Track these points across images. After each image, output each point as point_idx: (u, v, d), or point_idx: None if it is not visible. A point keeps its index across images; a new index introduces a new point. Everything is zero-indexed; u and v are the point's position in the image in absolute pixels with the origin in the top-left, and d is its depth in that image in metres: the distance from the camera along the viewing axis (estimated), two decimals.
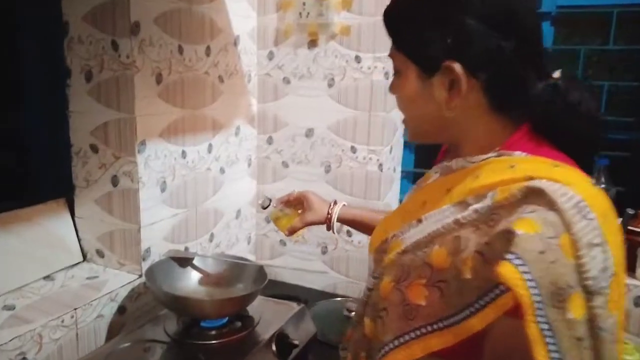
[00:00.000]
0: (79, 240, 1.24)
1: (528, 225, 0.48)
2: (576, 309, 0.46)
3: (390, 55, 0.66)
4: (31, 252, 1.13)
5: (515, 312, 0.46)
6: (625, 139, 1.59)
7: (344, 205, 1.05)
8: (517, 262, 0.46)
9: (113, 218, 1.18)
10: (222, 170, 1.43)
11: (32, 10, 1.15)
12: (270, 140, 1.56)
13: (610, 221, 0.52)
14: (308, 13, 1.41)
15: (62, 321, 0.99)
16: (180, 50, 1.22)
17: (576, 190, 0.50)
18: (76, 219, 1.23)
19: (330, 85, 1.44)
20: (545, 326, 0.45)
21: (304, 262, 1.55)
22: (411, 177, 1.61)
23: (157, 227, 1.22)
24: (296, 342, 1.04)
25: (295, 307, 1.16)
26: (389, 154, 1.44)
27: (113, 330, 1.10)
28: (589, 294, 0.47)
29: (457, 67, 0.58)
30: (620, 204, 0.85)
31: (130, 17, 1.07)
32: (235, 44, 1.43)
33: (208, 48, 1.31)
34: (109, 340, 1.08)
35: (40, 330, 0.95)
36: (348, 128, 1.44)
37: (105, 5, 1.09)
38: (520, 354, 0.46)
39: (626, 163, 1.47)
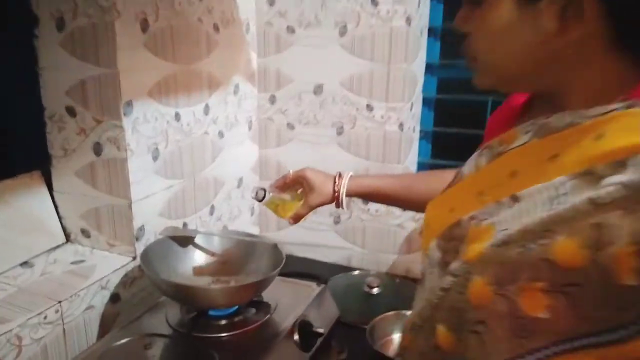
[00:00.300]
0: (60, 219, 1.07)
1: None
2: None
3: None
4: (2, 235, 0.96)
5: None
6: None
7: (351, 176, 0.90)
8: None
9: (98, 192, 1.02)
10: (220, 134, 1.26)
11: None
12: (272, 100, 1.38)
13: None
14: None
15: (45, 317, 0.83)
16: None
17: None
18: (55, 194, 1.06)
19: (342, 34, 1.25)
20: None
21: (314, 233, 1.40)
22: (430, 138, 1.46)
23: (151, 202, 1.05)
24: (321, 330, 0.91)
25: (315, 288, 1.01)
26: (409, 111, 1.28)
27: (106, 323, 0.95)
28: None
29: None
30: None
31: None
32: None
33: None
34: (102, 335, 0.94)
35: (18, 330, 0.79)
36: (363, 83, 1.26)
37: None
38: None
39: None
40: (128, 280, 1.01)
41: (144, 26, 0.97)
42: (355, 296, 1.20)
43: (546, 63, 0.47)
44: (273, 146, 1.42)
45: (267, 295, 0.95)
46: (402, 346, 0.59)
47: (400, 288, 1.25)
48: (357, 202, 1.33)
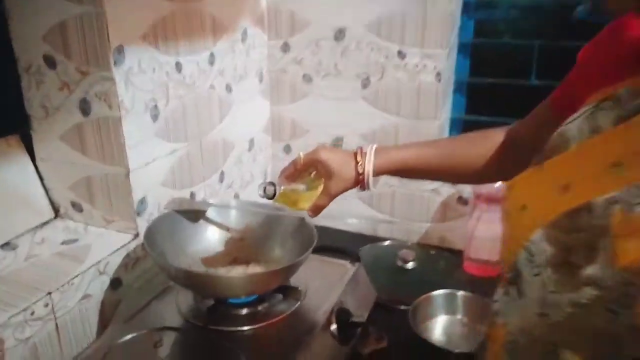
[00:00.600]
0: (46, 190, 0.91)
1: None
2: None
3: None
4: None
5: None
6: None
7: (376, 149, 0.70)
8: None
9: (88, 159, 0.85)
10: (228, 88, 1.08)
11: None
12: (285, 48, 1.19)
13: None
14: None
15: (32, 313, 0.69)
16: None
17: None
18: (38, 162, 0.90)
19: None
20: None
21: (336, 200, 1.25)
22: (464, 90, 1.28)
23: (152, 170, 0.89)
24: (361, 319, 0.77)
25: (349, 267, 0.87)
26: (446, 59, 1.10)
27: (106, 313, 0.81)
28: None
29: None
30: None
31: None
32: None
33: None
34: (103, 328, 0.80)
35: None
36: (394, 26, 1.08)
37: None
38: None
39: None
40: (130, 262, 0.86)
41: None
42: (387, 271, 1.07)
43: None
44: (287, 102, 1.24)
45: (295, 277, 0.80)
46: None
47: (436, 261, 1.12)
48: None
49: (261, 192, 0.72)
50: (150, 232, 0.79)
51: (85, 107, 0.82)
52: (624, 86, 0.42)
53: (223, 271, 0.81)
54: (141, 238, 0.86)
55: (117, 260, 0.84)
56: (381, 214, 1.23)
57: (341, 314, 0.76)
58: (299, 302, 0.78)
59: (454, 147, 0.74)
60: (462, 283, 1.01)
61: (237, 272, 0.81)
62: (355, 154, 0.70)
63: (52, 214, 0.92)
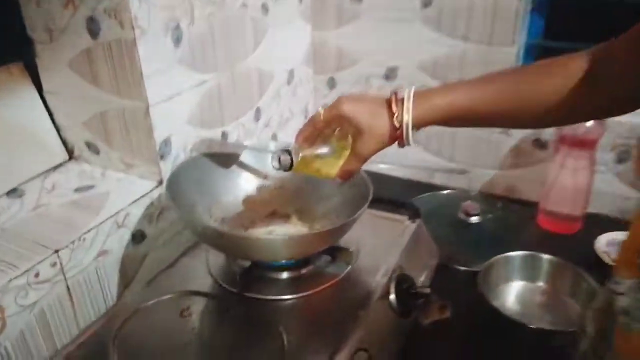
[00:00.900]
0: (57, 129, 0.79)
1: None
2: None
3: None
4: None
5: None
6: None
7: (415, 92, 0.53)
8: None
9: (101, 92, 0.72)
10: (264, 9, 0.91)
11: None
12: None
13: None
14: None
15: (37, 275, 0.58)
16: None
17: None
18: (46, 95, 0.77)
19: None
20: None
21: None
22: (544, 10, 1.06)
23: (176, 105, 0.75)
24: (427, 290, 0.64)
25: (408, 224, 0.73)
26: None
27: (127, 272, 0.71)
28: None
29: None
30: None
31: None
32: None
33: None
34: (123, 290, 0.70)
35: None
36: None
37: None
38: None
39: None
40: (155, 212, 0.75)
41: None
42: (447, 226, 0.92)
43: None
44: (332, 27, 1.06)
45: (345, 236, 0.66)
46: None
47: (504, 214, 0.96)
48: None
49: (275, 163, 0.56)
50: (174, 179, 0.66)
51: (93, 28, 0.67)
52: None
53: (261, 231, 0.68)
54: (165, 187, 0.74)
55: (139, 211, 0.72)
56: (438, 158, 1.07)
57: (402, 282, 0.63)
58: (350, 266, 0.65)
59: (521, 80, 0.54)
60: (535, 241, 0.87)
61: (278, 232, 0.67)
62: (389, 102, 0.53)
63: (65, 156, 0.80)
